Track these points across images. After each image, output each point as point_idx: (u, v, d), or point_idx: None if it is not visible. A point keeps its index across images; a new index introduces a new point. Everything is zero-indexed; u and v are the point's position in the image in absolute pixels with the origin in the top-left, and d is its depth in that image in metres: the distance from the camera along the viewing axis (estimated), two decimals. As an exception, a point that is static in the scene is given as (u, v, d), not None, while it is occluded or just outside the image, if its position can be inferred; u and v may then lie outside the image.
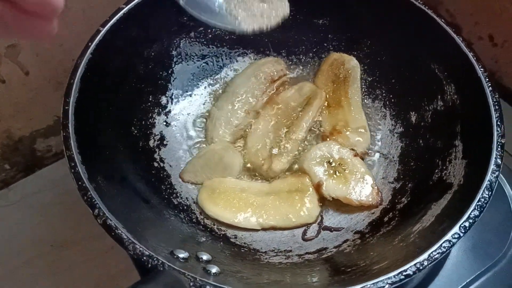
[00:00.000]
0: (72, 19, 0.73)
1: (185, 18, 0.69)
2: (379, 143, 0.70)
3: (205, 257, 0.50)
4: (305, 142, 0.69)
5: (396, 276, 0.45)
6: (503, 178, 0.69)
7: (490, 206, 0.67)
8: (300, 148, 0.68)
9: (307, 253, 0.58)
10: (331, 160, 0.65)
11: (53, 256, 0.73)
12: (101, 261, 0.71)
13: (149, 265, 0.44)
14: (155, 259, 0.44)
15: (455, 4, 0.91)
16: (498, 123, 0.55)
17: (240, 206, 0.61)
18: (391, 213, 0.61)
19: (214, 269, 0.47)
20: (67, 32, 0.74)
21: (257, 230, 0.61)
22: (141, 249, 0.45)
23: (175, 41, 0.70)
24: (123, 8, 0.61)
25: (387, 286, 0.44)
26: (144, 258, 0.44)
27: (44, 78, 0.78)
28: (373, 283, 0.44)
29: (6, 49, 0.71)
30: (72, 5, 0.73)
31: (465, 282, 0.61)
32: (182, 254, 0.48)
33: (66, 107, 0.53)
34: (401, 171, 0.66)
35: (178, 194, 0.63)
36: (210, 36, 0.72)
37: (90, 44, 0.58)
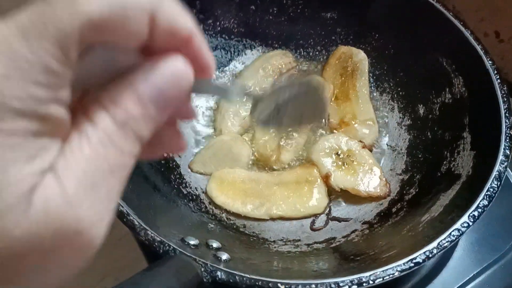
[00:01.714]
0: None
1: (194, 11, 0.70)
2: (387, 135, 0.70)
3: (215, 244, 0.51)
4: (314, 134, 0.69)
5: (405, 264, 0.45)
6: (510, 172, 0.69)
7: (497, 199, 0.67)
8: (308, 140, 0.68)
9: (315, 242, 0.59)
10: (339, 152, 0.65)
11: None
12: (109, 253, 0.71)
13: (161, 251, 0.44)
14: (166, 245, 0.44)
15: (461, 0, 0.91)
16: (507, 114, 0.55)
17: (249, 197, 0.62)
18: (399, 204, 0.61)
19: (224, 256, 0.48)
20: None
21: (265, 220, 0.61)
22: (152, 235, 0.45)
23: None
24: None
25: (396, 273, 0.44)
26: (156, 244, 0.45)
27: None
28: (383, 271, 0.44)
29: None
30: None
31: (472, 274, 0.61)
32: (193, 241, 0.48)
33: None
34: (409, 163, 0.66)
35: (187, 184, 0.64)
36: (219, 28, 0.73)
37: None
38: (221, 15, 0.72)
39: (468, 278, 0.61)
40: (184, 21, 0.23)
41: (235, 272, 0.43)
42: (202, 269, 0.43)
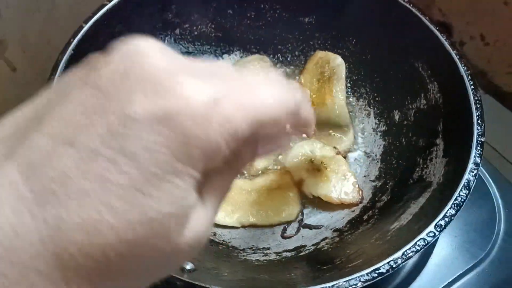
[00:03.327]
0: (59, 16, 0.73)
1: (170, 15, 0.69)
2: (362, 141, 0.70)
3: (180, 254, 0.50)
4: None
5: (368, 274, 0.44)
6: (489, 178, 0.69)
7: (474, 206, 0.66)
8: (282, 146, 0.68)
9: (285, 250, 0.58)
10: (313, 158, 0.64)
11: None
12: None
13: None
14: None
15: (447, 3, 0.90)
16: (479, 121, 0.54)
17: (221, 204, 0.61)
18: (370, 211, 0.60)
19: (188, 266, 0.47)
20: (54, 28, 0.74)
21: (237, 228, 0.61)
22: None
23: (159, 38, 0.70)
24: (107, 4, 0.61)
25: (359, 284, 0.44)
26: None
27: (32, 75, 0.78)
28: (345, 281, 0.44)
29: (-8, 46, 0.71)
30: (59, 1, 0.73)
31: (448, 281, 0.61)
32: (155, 250, 0.48)
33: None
34: (383, 169, 0.66)
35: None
36: (195, 33, 0.72)
37: (72, 40, 0.58)
38: (198, 19, 0.72)
39: (443, 285, 0.61)
40: (310, 115, 0.31)
41: (196, 283, 0.43)
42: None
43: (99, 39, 0.61)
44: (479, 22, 0.87)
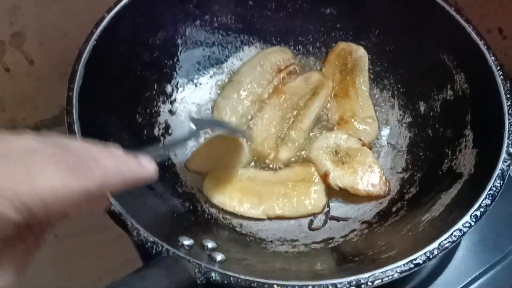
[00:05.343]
0: (76, 8, 0.72)
1: (190, 6, 0.69)
2: (387, 133, 0.69)
3: (210, 244, 0.50)
4: (312, 131, 0.68)
5: (405, 265, 0.44)
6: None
7: (500, 199, 0.65)
8: (307, 137, 0.67)
9: (313, 242, 0.58)
10: (338, 150, 0.64)
11: (57, 247, 0.73)
12: (105, 252, 0.70)
13: (154, 252, 0.43)
14: (159, 245, 0.43)
15: (464, -5, 0.90)
16: (510, 111, 0.54)
17: (246, 195, 0.61)
18: (399, 203, 0.60)
19: (219, 257, 0.46)
20: (71, 21, 0.74)
21: (263, 220, 0.60)
22: (145, 235, 0.44)
23: (180, 29, 0.69)
24: (128, -5, 0.61)
25: (396, 275, 0.43)
26: (148, 244, 0.44)
27: (49, 68, 0.78)
28: (382, 272, 0.43)
29: (11, 38, 0.70)
30: (76, -6, 0.72)
31: (475, 275, 0.60)
32: (187, 241, 0.47)
33: (70, 93, 0.53)
34: (410, 161, 0.65)
35: (183, 183, 0.62)
36: (216, 24, 0.72)
37: (94, 30, 0.58)
38: (218, 10, 0.71)
39: (470, 279, 0.60)
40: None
41: (229, 273, 0.42)
42: (196, 270, 0.42)
43: (120, 29, 0.60)
44: (496, 15, 0.86)
